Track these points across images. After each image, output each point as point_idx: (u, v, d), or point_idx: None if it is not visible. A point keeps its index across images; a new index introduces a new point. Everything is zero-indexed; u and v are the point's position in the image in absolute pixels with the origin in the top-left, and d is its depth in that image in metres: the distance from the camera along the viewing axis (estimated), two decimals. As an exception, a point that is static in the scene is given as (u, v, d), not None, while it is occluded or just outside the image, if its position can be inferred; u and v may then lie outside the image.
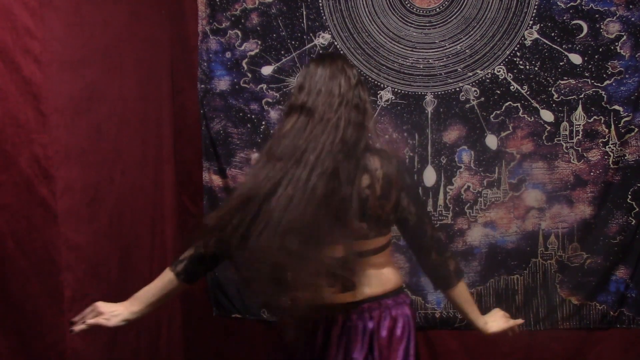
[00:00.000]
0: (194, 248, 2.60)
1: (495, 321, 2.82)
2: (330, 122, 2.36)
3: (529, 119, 4.07)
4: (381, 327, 2.52)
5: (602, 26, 3.95)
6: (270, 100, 4.24)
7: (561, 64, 4.01)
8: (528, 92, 4.05)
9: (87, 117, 3.21)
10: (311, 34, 4.17)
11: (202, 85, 4.27)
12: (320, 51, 4.17)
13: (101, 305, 2.60)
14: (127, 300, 2.67)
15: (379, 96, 4.14)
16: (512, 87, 4.06)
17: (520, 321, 2.84)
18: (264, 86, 4.24)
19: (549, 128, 4.06)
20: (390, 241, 2.64)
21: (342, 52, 4.15)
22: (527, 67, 4.04)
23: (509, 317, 2.86)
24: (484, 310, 4.11)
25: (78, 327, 2.59)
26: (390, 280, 2.60)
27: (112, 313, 2.61)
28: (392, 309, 2.57)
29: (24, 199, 2.91)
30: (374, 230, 2.48)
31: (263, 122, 4.25)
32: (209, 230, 2.46)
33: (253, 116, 4.26)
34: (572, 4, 3.95)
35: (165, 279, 2.66)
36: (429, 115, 4.15)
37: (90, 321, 2.58)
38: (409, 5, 4.09)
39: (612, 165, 4.02)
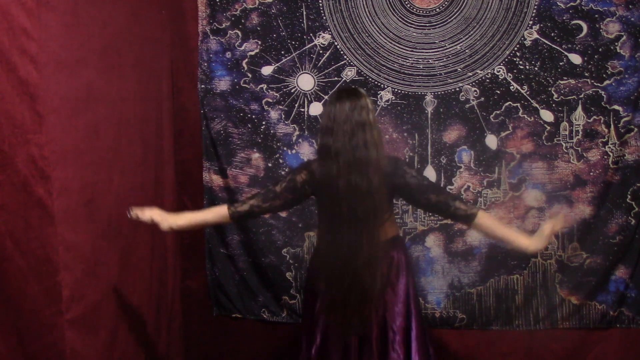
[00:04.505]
0: (249, 205, 3.32)
1: (535, 239, 3.25)
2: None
3: (528, 119, 4.07)
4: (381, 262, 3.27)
5: (602, 26, 3.95)
6: (270, 100, 4.24)
7: (561, 64, 4.01)
8: (528, 92, 4.05)
9: (84, 118, 3.21)
10: (311, 34, 4.18)
11: (203, 86, 4.28)
12: (321, 51, 4.17)
13: (156, 210, 3.34)
14: (177, 215, 3.40)
15: (379, 96, 4.15)
16: (512, 87, 4.06)
17: (559, 224, 3.38)
18: (264, 86, 4.24)
19: (548, 128, 4.06)
20: (392, 214, 3.40)
21: (342, 52, 4.16)
22: (527, 67, 4.03)
23: (552, 225, 3.28)
24: (484, 311, 4.14)
25: (134, 213, 3.30)
26: (389, 233, 3.33)
27: (163, 216, 3.33)
28: (389, 250, 3.31)
29: (21, 199, 2.91)
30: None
31: (263, 122, 4.26)
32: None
33: (253, 116, 4.26)
34: (571, 4, 3.95)
35: (219, 213, 3.38)
36: (429, 115, 4.15)
37: (148, 212, 3.31)
38: (409, 5, 4.09)
39: (611, 165, 4.02)
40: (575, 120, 4.04)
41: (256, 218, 3.46)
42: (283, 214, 4.26)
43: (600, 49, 3.97)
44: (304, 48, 4.19)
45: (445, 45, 4.10)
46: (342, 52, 4.17)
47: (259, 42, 4.22)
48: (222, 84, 4.27)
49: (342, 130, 3.10)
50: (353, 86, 4.03)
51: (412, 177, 3.23)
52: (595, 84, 3.99)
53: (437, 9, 4.08)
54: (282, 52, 4.21)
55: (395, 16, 4.12)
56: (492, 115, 4.10)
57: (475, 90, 4.10)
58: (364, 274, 3.13)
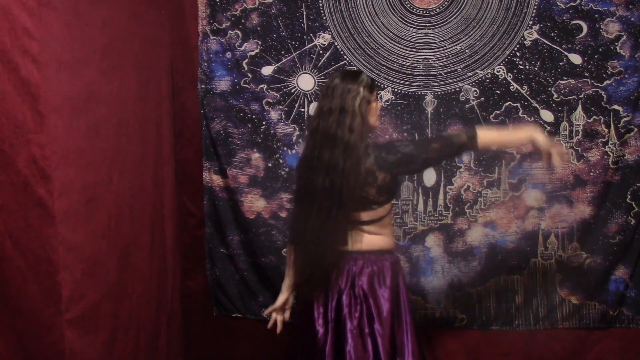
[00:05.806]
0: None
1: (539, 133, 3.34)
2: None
3: (528, 119, 4.07)
4: (362, 273, 3.22)
5: (601, 26, 3.95)
6: (270, 100, 4.24)
7: (561, 64, 4.01)
8: (528, 92, 4.05)
9: (85, 118, 3.21)
10: (311, 34, 4.18)
11: (203, 86, 4.28)
12: (321, 51, 4.18)
13: (277, 302, 3.47)
14: (282, 293, 3.48)
15: (379, 96, 4.14)
16: (512, 87, 4.06)
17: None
18: (265, 86, 4.24)
19: (548, 128, 4.06)
20: (381, 217, 3.26)
21: (342, 52, 4.16)
22: (527, 67, 4.03)
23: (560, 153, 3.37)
24: (484, 311, 4.13)
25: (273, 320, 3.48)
26: (376, 244, 3.27)
27: (282, 297, 3.47)
28: (374, 262, 3.24)
29: (22, 199, 2.91)
30: (362, 208, 3.22)
31: (263, 122, 4.26)
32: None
33: (253, 116, 4.26)
34: (571, 4, 3.95)
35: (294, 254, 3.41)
36: (429, 115, 4.15)
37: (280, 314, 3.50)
38: (409, 5, 4.09)
39: (611, 165, 4.02)
40: (575, 120, 4.04)
41: None
42: (282, 214, 4.27)
43: (600, 49, 3.97)
44: (304, 48, 4.19)
45: (445, 45, 4.10)
46: (342, 52, 4.17)
47: (259, 42, 4.21)
48: (222, 84, 4.27)
49: (322, 105, 3.18)
50: (357, 69, 4.06)
51: (406, 145, 3.19)
52: (595, 84, 4.00)
53: (437, 9, 4.09)
54: (282, 52, 4.21)
55: (395, 16, 4.12)
56: (492, 115, 4.10)
57: (475, 90, 4.10)
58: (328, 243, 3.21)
